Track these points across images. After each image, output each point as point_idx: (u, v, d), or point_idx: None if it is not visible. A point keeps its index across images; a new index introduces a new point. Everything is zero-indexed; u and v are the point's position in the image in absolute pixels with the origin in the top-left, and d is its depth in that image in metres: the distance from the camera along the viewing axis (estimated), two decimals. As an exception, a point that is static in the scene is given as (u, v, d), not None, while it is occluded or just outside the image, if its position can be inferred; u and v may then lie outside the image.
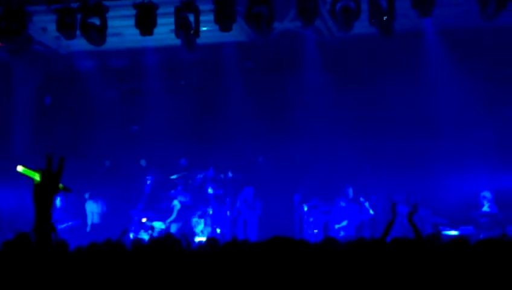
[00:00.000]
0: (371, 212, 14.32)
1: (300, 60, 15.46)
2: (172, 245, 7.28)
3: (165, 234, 10.43)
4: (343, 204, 14.42)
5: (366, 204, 14.38)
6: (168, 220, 14.76)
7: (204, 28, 13.15)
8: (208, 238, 8.52)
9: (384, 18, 12.04)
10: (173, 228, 14.59)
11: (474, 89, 14.40)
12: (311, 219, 14.50)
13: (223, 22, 12.60)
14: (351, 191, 14.56)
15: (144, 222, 14.58)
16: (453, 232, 12.82)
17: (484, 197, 13.51)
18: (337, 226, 14.26)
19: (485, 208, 13.39)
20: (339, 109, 15.27)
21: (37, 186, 3.91)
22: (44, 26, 14.56)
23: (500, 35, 14.06)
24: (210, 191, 14.98)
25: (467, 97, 14.43)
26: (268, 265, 5.85)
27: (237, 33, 14.07)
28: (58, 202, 14.81)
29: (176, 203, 14.83)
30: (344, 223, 14.29)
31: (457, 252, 5.84)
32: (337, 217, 14.44)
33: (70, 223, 14.59)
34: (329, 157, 15.41)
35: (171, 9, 12.93)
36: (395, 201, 12.78)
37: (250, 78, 16.01)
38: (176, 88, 16.74)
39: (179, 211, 14.78)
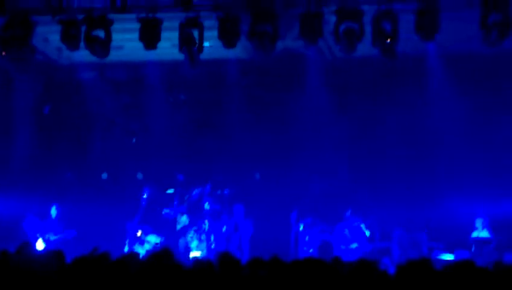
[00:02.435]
0: (367, 234, 14.26)
1: (301, 79, 15.49)
2: (168, 260, 7.25)
3: (162, 248, 10.30)
4: (347, 232, 14.36)
5: (362, 226, 14.33)
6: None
7: (207, 44, 13.21)
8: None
9: (388, 41, 12.09)
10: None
11: (472, 114, 14.49)
12: (307, 238, 14.44)
13: (227, 38, 12.67)
14: (349, 213, 14.50)
15: (139, 236, 14.51)
16: (449, 257, 12.80)
17: (479, 222, 13.50)
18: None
19: (480, 233, 13.37)
20: (338, 129, 15.29)
21: None
22: (47, 36, 14.58)
23: (502, 61, 14.14)
24: (207, 206, 14.92)
25: (465, 122, 14.49)
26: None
27: (239, 50, 14.11)
28: (53, 212, 14.73)
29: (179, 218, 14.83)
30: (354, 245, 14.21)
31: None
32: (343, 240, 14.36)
33: (63, 234, 14.46)
34: (327, 176, 15.42)
35: (175, 24, 13.00)
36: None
37: (250, 95, 16.02)
38: (175, 102, 16.74)
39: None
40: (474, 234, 13.36)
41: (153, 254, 7.59)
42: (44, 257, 6.77)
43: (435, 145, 14.72)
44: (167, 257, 7.45)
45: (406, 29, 12.12)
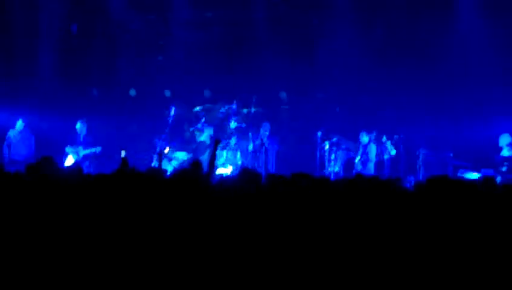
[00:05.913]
0: (393, 152, 14.19)
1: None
2: (195, 175, 7.32)
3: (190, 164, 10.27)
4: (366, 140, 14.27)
5: (388, 144, 14.25)
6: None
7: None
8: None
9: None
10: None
11: (499, 35, 14.17)
12: (333, 156, 14.42)
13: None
14: (374, 133, 14.38)
15: (166, 153, 14.59)
16: (474, 175, 12.75)
17: (503, 140, 13.30)
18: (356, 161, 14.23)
19: (504, 152, 13.21)
20: (365, 49, 15.11)
21: None
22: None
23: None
24: (233, 124, 14.94)
25: (493, 43, 14.21)
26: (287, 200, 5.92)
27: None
28: (79, 127, 14.70)
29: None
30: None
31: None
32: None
33: (94, 149, 14.53)
34: (353, 96, 15.34)
35: None
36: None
37: (277, 12, 15.85)
38: (202, 20, 16.59)
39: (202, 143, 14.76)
40: (503, 153, 13.18)
41: (180, 169, 7.66)
42: (66, 171, 6.85)
43: (460, 66, 14.49)
44: (194, 172, 7.52)
45: None
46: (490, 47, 14.22)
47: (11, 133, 14.26)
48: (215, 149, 9.23)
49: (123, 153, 12.10)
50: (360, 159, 14.14)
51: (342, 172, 14.19)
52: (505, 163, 12.84)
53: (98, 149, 14.33)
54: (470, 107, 14.31)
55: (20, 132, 14.31)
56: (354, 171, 13.75)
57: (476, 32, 14.39)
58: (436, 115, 14.56)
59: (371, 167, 14.03)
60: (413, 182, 12.11)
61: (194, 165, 7.97)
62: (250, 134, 14.70)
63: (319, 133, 14.39)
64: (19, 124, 14.32)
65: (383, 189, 6.14)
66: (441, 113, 14.54)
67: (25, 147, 14.28)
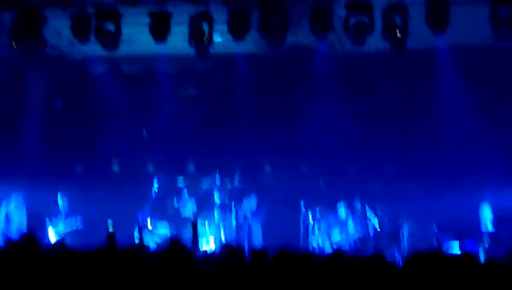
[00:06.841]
0: (376, 225, 14.17)
1: (311, 73, 15.52)
2: (178, 253, 7.30)
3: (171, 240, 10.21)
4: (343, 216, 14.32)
5: (373, 219, 14.23)
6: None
7: (219, 40, 13.31)
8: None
9: (398, 34, 12.12)
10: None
11: (482, 107, 14.49)
12: (317, 231, 14.39)
13: (237, 31, 12.72)
14: (358, 205, 14.47)
15: (149, 227, 14.52)
16: (457, 249, 12.78)
17: (484, 213, 13.40)
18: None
19: (484, 227, 13.26)
20: (348, 123, 15.32)
21: None
22: (60, 30, 14.70)
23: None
24: (216, 198, 14.93)
25: (475, 115, 14.51)
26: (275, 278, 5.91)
27: (250, 45, 14.16)
28: (60, 201, 14.66)
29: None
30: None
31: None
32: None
33: (75, 225, 14.44)
34: (337, 169, 15.45)
35: (186, 18, 13.09)
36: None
37: (261, 89, 16.06)
38: (186, 96, 16.81)
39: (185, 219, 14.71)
40: (484, 228, 13.24)
41: (163, 246, 7.62)
42: (48, 248, 6.81)
43: (445, 138, 14.73)
44: (177, 250, 7.49)
45: (416, 22, 12.13)
46: (472, 118, 14.50)
47: (6, 208, 13.95)
48: (195, 233, 9.20)
49: (110, 226, 12.02)
50: (339, 233, 14.16)
51: (324, 246, 14.14)
52: (486, 239, 12.91)
53: (78, 222, 14.25)
54: (453, 177, 14.43)
55: (16, 206, 14.03)
56: (333, 246, 13.75)
57: (457, 107, 14.68)
58: (420, 187, 14.64)
59: (350, 241, 14.02)
60: (398, 257, 12.13)
61: (173, 244, 7.88)
62: (233, 209, 14.67)
63: (303, 207, 14.38)
64: (14, 198, 14.04)
65: (366, 267, 6.14)
66: (425, 184, 14.63)
67: (18, 223, 13.94)
